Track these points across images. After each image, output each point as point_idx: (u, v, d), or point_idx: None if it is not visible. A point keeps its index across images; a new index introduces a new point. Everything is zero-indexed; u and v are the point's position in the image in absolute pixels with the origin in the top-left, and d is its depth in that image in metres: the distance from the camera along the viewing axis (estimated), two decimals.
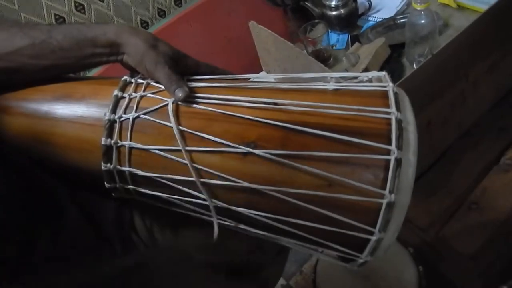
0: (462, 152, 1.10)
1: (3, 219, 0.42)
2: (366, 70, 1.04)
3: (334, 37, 1.21)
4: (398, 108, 0.41)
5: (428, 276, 0.93)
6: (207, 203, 0.45)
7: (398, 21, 1.13)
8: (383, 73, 0.47)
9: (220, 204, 0.45)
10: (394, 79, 1.01)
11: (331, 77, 0.48)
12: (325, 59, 1.14)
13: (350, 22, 1.20)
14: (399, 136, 0.40)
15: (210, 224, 0.49)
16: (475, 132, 1.12)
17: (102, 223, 0.58)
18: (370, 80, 0.48)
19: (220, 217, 0.47)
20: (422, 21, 0.96)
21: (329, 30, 1.15)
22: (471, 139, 1.11)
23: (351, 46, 1.16)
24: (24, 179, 0.49)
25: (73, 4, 1.31)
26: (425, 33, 0.97)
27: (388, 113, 0.41)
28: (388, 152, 0.39)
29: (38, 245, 0.44)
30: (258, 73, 1.28)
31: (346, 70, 1.09)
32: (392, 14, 1.17)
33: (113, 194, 0.50)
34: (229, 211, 0.45)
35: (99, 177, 0.48)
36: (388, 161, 0.39)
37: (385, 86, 0.44)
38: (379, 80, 0.47)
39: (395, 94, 0.43)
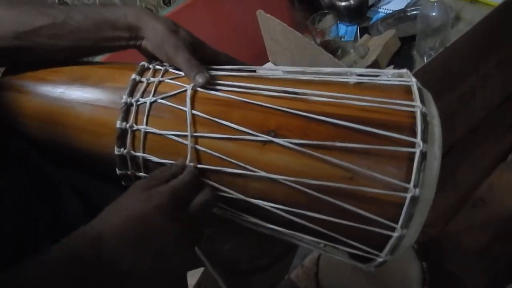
0: (470, 147, 1.10)
1: (2, 206, 0.42)
2: (375, 62, 1.03)
3: (343, 28, 1.20)
4: (422, 101, 0.41)
5: (432, 272, 0.92)
6: (221, 193, 0.44)
7: (409, 13, 1.12)
8: (405, 70, 0.46)
9: (234, 194, 0.44)
10: None
11: (352, 72, 0.47)
12: (333, 50, 1.12)
13: (360, 13, 1.18)
14: (425, 129, 0.39)
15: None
16: (484, 127, 1.11)
17: None
18: (390, 77, 0.48)
19: (234, 210, 0.46)
20: (434, 14, 0.95)
21: (338, 21, 1.14)
22: (479, 134, 1.11)
23: (360, 37, 1.15)
24: (27, 169, 0.49)
25: None
26: (437, 25, 0.96)
27: (413, 106, 0.41)
28: (413, 145, 0.39)
29: (36, 234, 0.44)
30: (264, 63, 1.27)
31: (355, 62, 1.08)
32: (402, 6, 1.15)
33: (122, 183, 0.49)
34: (244, 202, 0.44)
35: (110, 163, 0.47)
36: (413, 154, 0.38)
37: (408, 81, 0.44)
38: (401, 76, 0.47)
39: (419, 88, 0.42)
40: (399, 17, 1.13)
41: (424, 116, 0.40)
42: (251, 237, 0.53)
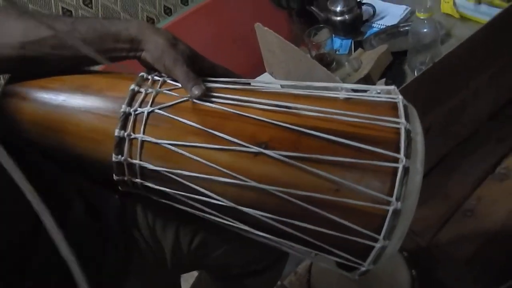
0: (460, 160, 1.12)
1: (8, 210, 0.43)
2: (368, 75, 1.06)
3: (337, 42, 1.22)
4: (407, 118, 0.42)
5: (422, 280, 0.94)
6: (213, 201, 0.45)
7: (401, 29, 1.15)
8: (393, 87, 0.48)
9: (225, 202, 0.45)
10: (395, 85, 1.02)
11: (342, 88, 0.48)
12: (328, 63, 1.15)
13: (354, 28, 1.21)
14: (408, 145, 0.41)
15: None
16: (473, 141, 1.14)
17: (106, 216, 0.59)
18: (379, 93, 0.49)
19: (225, 217, 0.48)
20: (425, 30, 0.98)
21: (333, 35, 1.17)
22: (469, 147, 1.13)
23: (354, 51, 1.18)
24: (31, 170, 0.50)
25: None
26: (427, 41, 0.99)
27: (398, 123, 0.42)
28: (396, 160, 0.40)
29: (41, 237, 0.44)
30: (261, 74, 1.29)
31: (349, 75, 1.11)
32: (395, 22, 1.18)
33: (119, 187, 0.51)
34: (235, 211, 0.45)
35: (108, 169, 0.48)
36: (396, 168, 0.40)
37: (394, 98, 0.45)
38: (389, 93, 0.48)
39: (405, 106, 0.44)
40: (391, 32, 1.16)
41: (408, 132, 0.41)
42: (244, 242, 0.54)
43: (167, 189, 0.48)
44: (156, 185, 0.48)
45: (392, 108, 0.44)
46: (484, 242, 1.01)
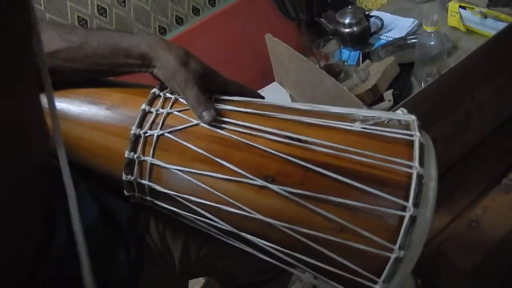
0: (465, 171, 1.13)
1: (23, 211, 0.43)
2: (375, 86, 1.08)
3: (346, 53, 1.24)
4: (421, 162, 0.41)
5: None
6: (217, 224, 0.46)
7: (408, 41, 1.16)
8: (413, 117, 0.46)
9: (230, 228, 0.46)
10: (402, 96, 1.03)
11: (359, 115, 0.47)
12: (336, 73, 1.17)
13: (362, 39, 1.23)
14: (418, 193, 0.39)
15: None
16: (479, 152, 1.14)
17: (118, 221, 0.61)
18: (399, 122, 0.48)
19: (229, 238, 0.49)
20: (432, 43, 0.99)
21: (342, 46, 1.18)
22: (475, 158, 1.14)
23: (362, 62, 1.19)
24: (46, 172, 0.52)
25: (96, 7, 1.36)
26: (434, 54, 1.00)
27: (411, 166, 0.40)
28: (404, 208, 0.39)
29: (56, 238, 0.44)
30: (270, 83, 1.31)
31: (356, 85, 1.12)
32: (403, 34, 1.19)
33: (130, 200, 0.53)
34: (238, 235, 0.46)
35: (120, 183, 0.50)
36: (403, 217, 0.39)
37: (411, 135, 0.43)
38: (407, 125, 0.46)
39: (421, 145, 0.42)
40: (399, 44, 1.17)
41: (420, 178, 0.40)
42: (251, 255, 0.55)
43: (176, 209, 0.49)
44: (165, 204, 0.49)
45: (407, 146, 0.42)
46: (488, 253, 1.02)
